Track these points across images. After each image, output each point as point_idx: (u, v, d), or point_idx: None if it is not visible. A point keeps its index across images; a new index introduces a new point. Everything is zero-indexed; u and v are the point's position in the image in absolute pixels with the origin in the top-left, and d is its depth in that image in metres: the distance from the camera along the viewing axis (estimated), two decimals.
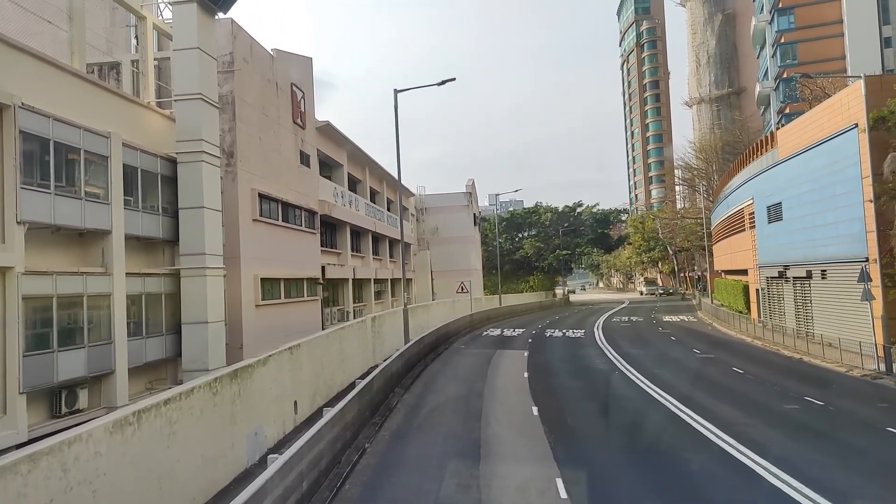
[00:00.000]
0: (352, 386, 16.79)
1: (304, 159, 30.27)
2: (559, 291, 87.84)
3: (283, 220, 27.13)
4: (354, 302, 38.12)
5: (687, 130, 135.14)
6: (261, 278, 24.46)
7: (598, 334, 37.68)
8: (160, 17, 22.68)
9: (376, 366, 20.08)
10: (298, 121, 29.60)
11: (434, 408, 18.21)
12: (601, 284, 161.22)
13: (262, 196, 25.10)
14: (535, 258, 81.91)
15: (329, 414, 12.39)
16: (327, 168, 36.05)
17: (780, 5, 61.37)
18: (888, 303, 22.50)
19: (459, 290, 47.10)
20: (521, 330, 41.96)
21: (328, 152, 34.49)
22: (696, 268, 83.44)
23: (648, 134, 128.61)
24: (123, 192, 16.57)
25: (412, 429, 15.81)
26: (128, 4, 20.52)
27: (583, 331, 40.32)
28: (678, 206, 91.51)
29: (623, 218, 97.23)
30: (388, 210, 48.03)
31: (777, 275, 33.99)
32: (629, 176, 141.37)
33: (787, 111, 57.88)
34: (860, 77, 23.13)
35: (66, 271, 14.61)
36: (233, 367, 12.90)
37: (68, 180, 14.79)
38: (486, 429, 15.29)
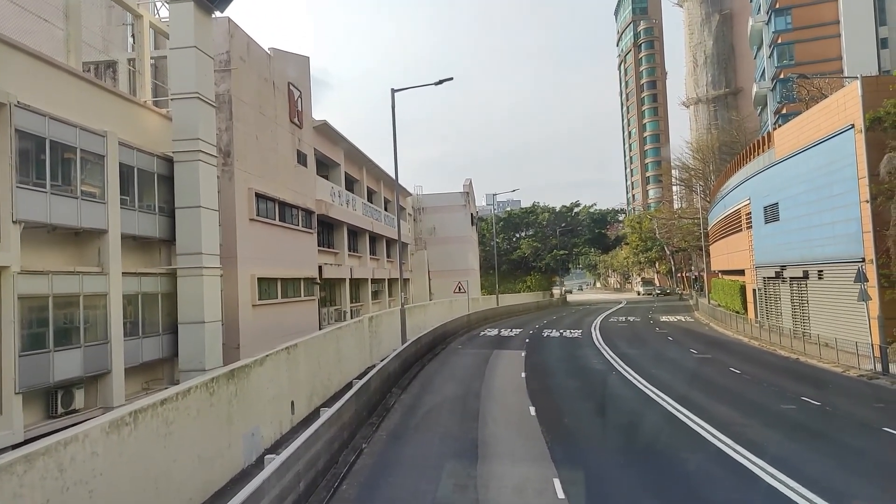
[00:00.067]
0: (349, 386, 16.76)
1: (301, 159, 30.23)
2: (556, 291, 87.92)
3: (280, 220, 27.08)
4: (351, 302, 38.10)
5: (684, 130, 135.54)
6: (258, 278, 24.41)
7: (596, 334, 37.71)
8: (157, 16, 22.63)
9: (373, 366, 20.06)
10: (295, 120, 29.55)
11: (431, 408, 18.20)
12: (598, 284, 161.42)
13: (258, 195, 25.05)
14: (533, 258, 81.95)
15: (326, 414, 12.36)
16: (324, 167, 36.00)
17: (778, 6, 61.52)
18: (884, 303, 22.57)
19: (457, 290, 47.11)
20: (519, 330, 41.97)
21: (325, 152, 34.44)
22: (693, 268, 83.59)
23: (646, 134, 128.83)
24: (120, 192, 16.52)
25: (409, 429, 15.79)
26: (124, 3, 20.45)
27: (580, 331, 40.35)
28: (675, 206, 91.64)
29: (620, 218, 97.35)
30: (386, 210, 48.00)
31: (774, 275, 34.06)
32: (626, 176, 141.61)
33: (784, 112, 58.01)
34: (857, 78, 23.18)
35: (62, 271, 14.55)
36: (229, 368, 12.87)
37: (64, 179, 14.73)
38: (484, 429, 15.28)
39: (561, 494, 10.58)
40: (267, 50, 27.18)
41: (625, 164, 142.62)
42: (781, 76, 59.80)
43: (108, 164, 16.06)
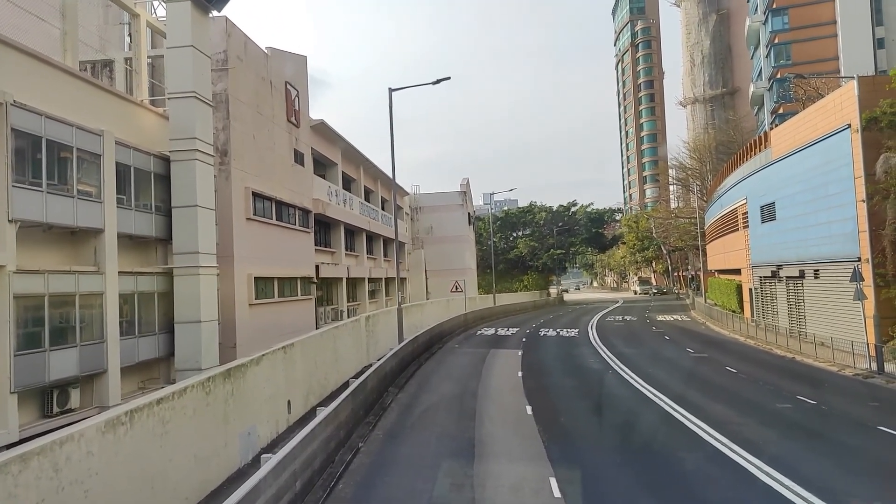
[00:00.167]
0: (346, 385, 16.76)
1: (299, 158, 30.20)
2: (553, 291, 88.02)
3: (277, 219, 27.05)
4: (348, 301, 38.08)
5: (681, 130, 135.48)
6: (254, 277, 24.39)
7: (592, 333, 37.75)
8: (154, 15, 22.59)
9: (370, 365, 20.06)
10: (293, 119, 29.52)
11: (428, 407, 18.20)
12: (595, 284, 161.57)
13: (255, 195, 25.02)
14: (530, 257, 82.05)
15: (323, 413, 12.36)
16: (322, 167, 35.97)
17: (775, 6, 61.66)
18: (880, 302, 22.63)
19: (454, 290, 47.11)
20: (516, 329, 42.00)
21: (322, 151, 34.41)
22: (689, 267, 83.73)
23: (643, 133, 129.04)
24: (116, 191, 16.48)
25: (406, 428, 15.79)
26: (121, 2, 20.42)
27: (577, 330, 40.40)
28: (672, 205, 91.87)
29: (617, 217, 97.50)
30: (383, 209, 47.99)
31: (770, 274, 34.15)
32: (623, 175, 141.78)
33: (781, 111, 58.18)
34: (853, 78, 23.22)
35: (58, 270, 14.52)
36: (226, 367, 12.85)
37: (60, 178, 14.69)
38: (480, 428, 15.29)
39: (557, 493, 10.59)
40: (264, 49, 27.14)
41: (622, 163, 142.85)
42: (778, 76, 59.93)
43: (105, 164, 16.03)
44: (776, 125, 47.84)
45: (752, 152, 37.86)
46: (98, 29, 22.28)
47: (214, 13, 20.54)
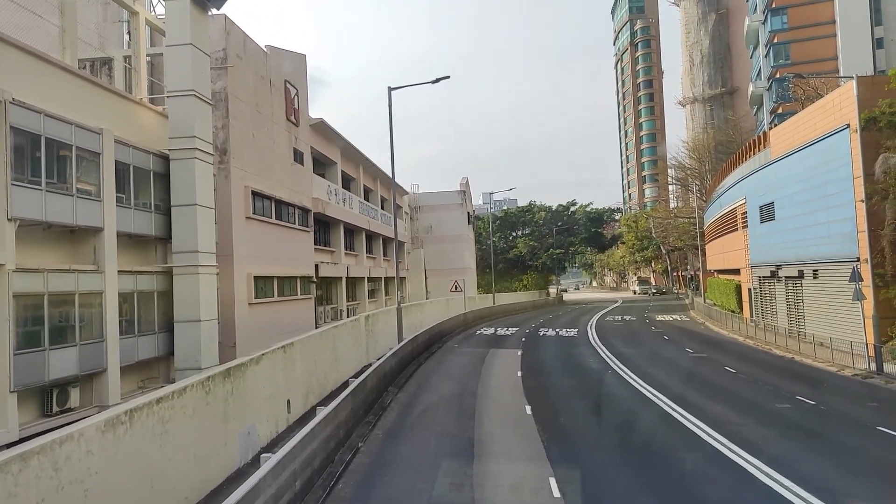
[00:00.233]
0: (345, 385, 16.76)
1: (298, 157, 30.17)
2: (552, 290, 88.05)
3: (276, 218, 27.04)
4: (348, 300, 38.07)
5: (680, 130, 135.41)
6: (254, 276, 24.37)
7: (592, 333, 37.77)
8: (153, 13, 22.53)
9: (370, 364, 20.07)
10: (292, 118, 29.49)
11: (428, 406, 18.20)
12: (594, 283, 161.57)
13: (255, 193, 25.00)
14: (529, 257, 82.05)
15: (322, 413, 12.36)
16: (321, 166, 35.94)
17: (774, 5, 61.69)
18: (879, 302, 22.65)
19: (453, 289, 47.11)
20: (515, 329, 42.01)
21: (322, 150, 34.39)
22: (689, 267, 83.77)
23: (642, 133, 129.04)
24: (115, 189, 16.45)
25: (406, 428, 15.80)
26: (120, 0, 20.37)
27: (576, 330, 40.42)
28: (671, 205, 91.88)
29: (616, 217, 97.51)
30: (382, 208, 47.98)
31: (769, 274, 34.17)
32: (623, 175, 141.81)
33: (780, 111, 58.24)
34: (852, 77, 23.23)
35: (57, 269, 14.48)
36: (226, 366, 12.84)
37: (60, 177, 14.66)
38: (480, 428, 15.29)
39: (557, 493, 10.59)
40: (263, 47, 27.11)
41: (621, 163, 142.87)
42: (777, 76, 59.99)
43: (104, 162, 16.00)
44: (775, 125, 47.87)
45: (752, 152, 37.87)
46: (97, 27, 22.24)
47: (213, 11, 20.49)
